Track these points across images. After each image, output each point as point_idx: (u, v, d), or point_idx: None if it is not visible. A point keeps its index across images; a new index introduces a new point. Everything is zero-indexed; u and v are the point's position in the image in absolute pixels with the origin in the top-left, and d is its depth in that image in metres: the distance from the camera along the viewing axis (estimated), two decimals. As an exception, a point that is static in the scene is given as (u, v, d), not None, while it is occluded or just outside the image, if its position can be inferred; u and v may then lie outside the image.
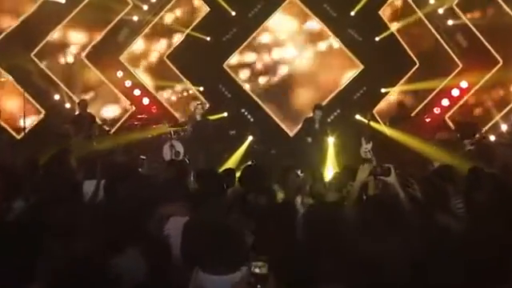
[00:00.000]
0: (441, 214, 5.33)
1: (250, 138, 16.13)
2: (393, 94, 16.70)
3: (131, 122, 16.47)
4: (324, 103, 15.99)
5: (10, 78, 15.16)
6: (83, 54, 16.57)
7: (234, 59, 17.04)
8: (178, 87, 17.23)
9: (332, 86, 16.86)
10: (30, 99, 15.85)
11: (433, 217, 5.17)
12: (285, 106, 16.92)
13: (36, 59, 16.25)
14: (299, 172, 8.53)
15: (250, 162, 10.98)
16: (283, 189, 7.05)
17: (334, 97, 16.72)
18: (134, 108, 16.73)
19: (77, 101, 15.70)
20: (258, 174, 6.85)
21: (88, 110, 14.83)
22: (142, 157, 14.10)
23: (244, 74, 17.19)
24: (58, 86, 16.34)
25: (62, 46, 16.46)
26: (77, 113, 14.72)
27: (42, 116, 16.35)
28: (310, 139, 12.23)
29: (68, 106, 16.85)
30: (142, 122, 16.19)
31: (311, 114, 13.24)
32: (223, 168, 10.09)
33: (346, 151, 14.50)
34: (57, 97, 16.22)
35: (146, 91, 16.95)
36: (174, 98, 17.29)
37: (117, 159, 11.66)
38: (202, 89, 16.93)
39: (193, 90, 17.02)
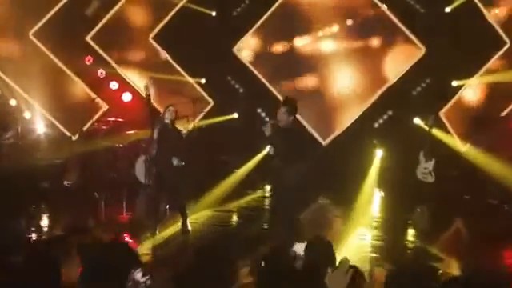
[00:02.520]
0: None
1: (268, 148, 12.42)
2: (469, 89, 13.25)
3: (99, 125, 13.08)
4: (371, 101, 13.57)
5: None
6: (31, 32, 13.10)
7: (246, 42, 14.19)
8: (171, 79, 13.94)
9: (381, 77, 13.91)
10: None
11: None
12: (316, 106, 14.01)
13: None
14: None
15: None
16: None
17: (384, 93, 13.77)
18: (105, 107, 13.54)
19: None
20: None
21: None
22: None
23: (260, 62, 14.24)
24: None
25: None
26: None
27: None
28: (271, 151, 7.92)
29: (13, 103, 13.18)
30: (109, 127, 12.84)
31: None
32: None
33: (398, 170, 12.23)
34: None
35: (125, 84, 13.80)
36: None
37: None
38: (203, 81, 14.20)
39: (191, 82, 14.10)
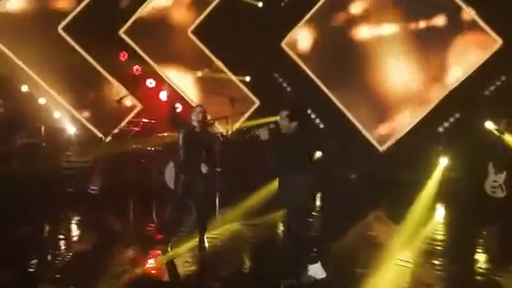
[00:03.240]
0: None
1: (319, 154, 12.27)
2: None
3: (129, 127, 12.28)
4: (435, 102, 12.57)
5: None
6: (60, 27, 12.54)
7: (295, 35, 13.41)
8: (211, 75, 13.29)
9: (448, 74, 12.83)
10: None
11: None
12: (372, 107, 13.20)
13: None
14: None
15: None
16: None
17: (451, 93, 12.76)
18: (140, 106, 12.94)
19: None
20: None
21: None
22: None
23: (311, 58, 13.42)
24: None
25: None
26: None
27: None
28: (269, 159, 7.05)
29: (42, 101, 12.62)
30: (142, 128, 11.98)
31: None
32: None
33: (463, 182, 11.37)
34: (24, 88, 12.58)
35: (163, 82, 13.06)
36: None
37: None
38: (248, 79, 13.41)
39: (233, 79, 13.30)
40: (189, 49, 13.00)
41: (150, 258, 7.25)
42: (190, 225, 7.92)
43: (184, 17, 13.00)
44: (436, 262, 7.52)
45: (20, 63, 12.27)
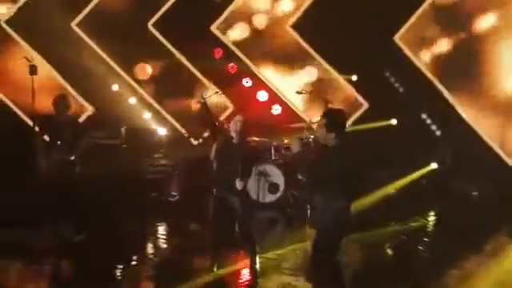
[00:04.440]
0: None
1: (434, 165, 11.81)
2: None
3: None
4: None
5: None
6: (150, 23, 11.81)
7: (410, 28, 12.06)
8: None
9: None
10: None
11: None
12: (501, 114, 11.92)
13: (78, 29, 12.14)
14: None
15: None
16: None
17: None
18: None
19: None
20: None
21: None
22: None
23: (427, 55, 12.13)
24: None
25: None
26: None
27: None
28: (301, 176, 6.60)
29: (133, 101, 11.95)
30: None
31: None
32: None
33: None
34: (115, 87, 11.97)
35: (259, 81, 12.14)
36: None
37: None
38: (354, 78, 12.14)
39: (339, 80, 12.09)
40: (288, 45, 11.94)
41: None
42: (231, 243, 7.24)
43: (282, 9, 11.93)
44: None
45: (111, 62, 11.80)
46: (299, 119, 11.43)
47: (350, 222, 5.40)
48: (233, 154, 6.79)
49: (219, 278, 6.62)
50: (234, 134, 6.80)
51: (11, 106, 11.65)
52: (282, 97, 12.10)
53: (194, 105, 11.28)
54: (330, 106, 9.92)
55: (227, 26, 11.96)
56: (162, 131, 11.60)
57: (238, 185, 6.67)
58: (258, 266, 6.88)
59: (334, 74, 12.00)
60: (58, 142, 7.77)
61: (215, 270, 6.76)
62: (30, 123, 8.89)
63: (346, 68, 12.04)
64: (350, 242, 8.10)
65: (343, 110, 6.21)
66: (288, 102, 12.05)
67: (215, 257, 6.89)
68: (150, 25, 11.80)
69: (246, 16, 11.96)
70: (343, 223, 5.32)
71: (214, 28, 11.78)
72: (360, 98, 12.04)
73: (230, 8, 11.77)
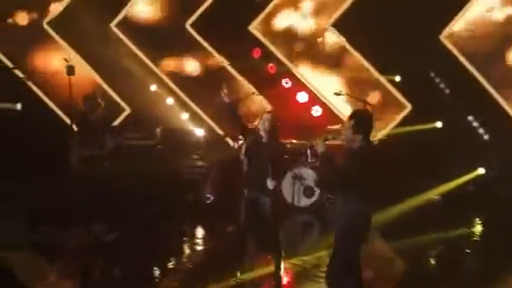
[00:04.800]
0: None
1: (481, 170, 11.41)
2: None
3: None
4: None
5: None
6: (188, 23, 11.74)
7: (458, 25, 11.64)
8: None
9: None
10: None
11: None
12: None
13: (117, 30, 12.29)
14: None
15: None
16: None
17: None
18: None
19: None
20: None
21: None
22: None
23: (476, 55, 11.69)
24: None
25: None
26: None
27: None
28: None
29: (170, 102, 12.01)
30: None
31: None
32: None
33: None
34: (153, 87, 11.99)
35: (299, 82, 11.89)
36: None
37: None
38: (397, 79, 11.77)
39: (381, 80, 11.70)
40: (326, 44, 11.70)
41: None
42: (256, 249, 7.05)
43: (323, 6, 11.71)
44: None
45: (149, 62, 11.87)
46: (340, 121, 11.22)
47: (369, 227, 5.24)
48: (262, 153, 6.62)
49: (245, 282, 6.51)
50: (263, 133, 6.64)
51: (50, 104, 11.91)
52: (322, 98, 11.85)
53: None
54: (369, 107, 9.74)
55: (267, 25, 11.82)
56: (199, 132, 11.59)
57: (270, 184, 6.49)
58: (282, 270, 6.68)
59: (376, 74, 11.65)
60: (89, 140, 7.89)
61: (238, 275, 6.65)
62: (68, 121, 8.96)
63: (388, 68, 11.68)
64: (392, 249, 8.04)
65: (371, 113, 6.12)
66: (329, 104, 11.79)
67: (243, 260, 6.75)
68: (187, 25, 11.78)
69: (284, 16, 11.78)
70: (361, 227, 5.13)
71: (252, 28, 11.65)
72: (403, 100, 11.65)
73: (270, 7, 11.58)
